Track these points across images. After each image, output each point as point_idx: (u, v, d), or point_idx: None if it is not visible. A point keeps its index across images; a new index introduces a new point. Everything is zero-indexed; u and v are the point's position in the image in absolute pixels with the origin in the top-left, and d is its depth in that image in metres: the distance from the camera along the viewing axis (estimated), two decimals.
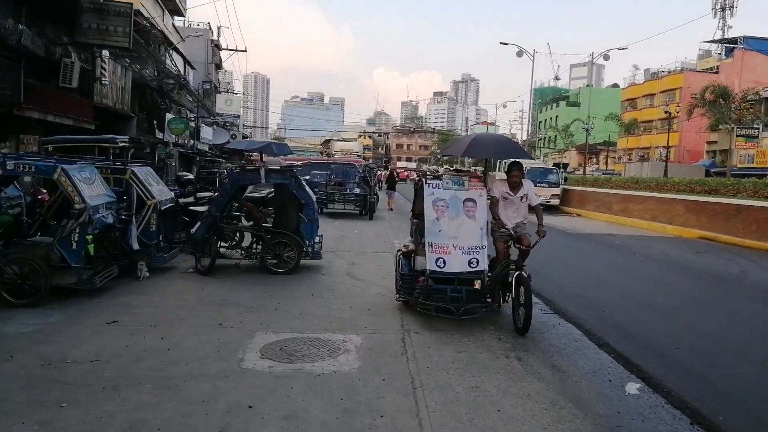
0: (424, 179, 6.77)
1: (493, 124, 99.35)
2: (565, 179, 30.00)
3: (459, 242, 6.35)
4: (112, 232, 7.82)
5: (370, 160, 58.33)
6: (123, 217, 8.61)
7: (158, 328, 5.93)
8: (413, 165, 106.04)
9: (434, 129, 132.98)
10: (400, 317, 6.64)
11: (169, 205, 9.16)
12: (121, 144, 8.36)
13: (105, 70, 13.83)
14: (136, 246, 8.35)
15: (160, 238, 8.99)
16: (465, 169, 8.36)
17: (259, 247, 9.34)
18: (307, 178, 20.23)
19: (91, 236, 6.94)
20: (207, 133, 35.30)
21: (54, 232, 7.13)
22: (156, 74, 22.92)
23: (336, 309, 6.96)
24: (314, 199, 9.64)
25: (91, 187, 7.26)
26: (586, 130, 40.62)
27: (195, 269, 8.96)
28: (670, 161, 36.41)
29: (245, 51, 41.58)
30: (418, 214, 7.19)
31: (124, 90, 16.55)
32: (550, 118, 76.53)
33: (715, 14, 75.90)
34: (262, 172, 8.99)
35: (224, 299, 7.33)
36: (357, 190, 20.61)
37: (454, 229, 6.40)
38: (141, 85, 21.48)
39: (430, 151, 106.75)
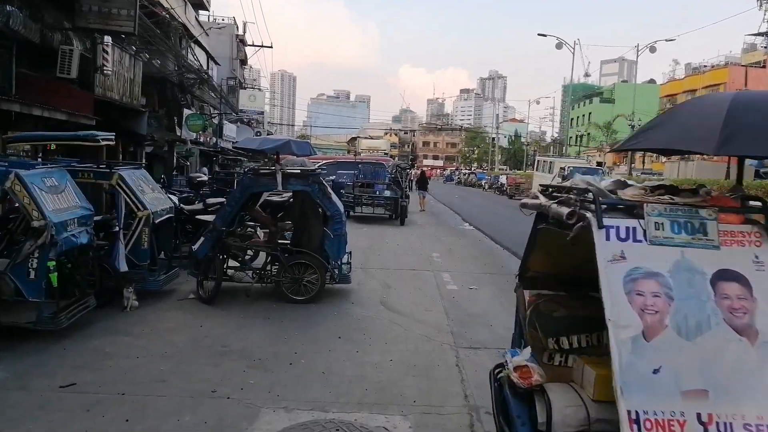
0: (594, 213, 2.41)
1: (522, 121, 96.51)
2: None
3: (720, 407, 2.16)
4: (88, 252, 6.24)
5: (396, 158, 56.47)
6: (116, 230, 7.05)
7: (127, 398, 4.28)
8: (440, 163, 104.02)
9: (461, 126, 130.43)
10: (459, 380, 4.88)
11: (167, 216, 7.56)
12: (104, 142, 6.77)
13: (107, 59, 12.35)
14: (123, 268, 6.75)
15: (157, 256, 7.43)
16: (661, 181, 3.03)
17: (275, 268, 7.67)
18: (333, 178, 18.65)
19: (53, 262, 5.34)
20: (230, 130, 34.19)
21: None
22: (176, 68, 21.59)
23: (371, 364, 5.22)
24: (342, 209, 7.91)
25: (57, 198, 5.66)
26: (632, 126, 38.07)
27: (196, 295, 7.34)
28: (714, 161, 33.48)
29: (271, 47, 40.09)
30: (534, 278, 3.35)
31: (133, 82, 15.07)
32: (583, 115, 73.63)
33: (761, 5, 72.04)
34: (279, 177, 7.31)
35: (225, 343, 5.67)
36: (387, 193, 18.82)
37: (698, 367, 2.21)
38: (160, 80, 20.18)
39: (458, 149, 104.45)
